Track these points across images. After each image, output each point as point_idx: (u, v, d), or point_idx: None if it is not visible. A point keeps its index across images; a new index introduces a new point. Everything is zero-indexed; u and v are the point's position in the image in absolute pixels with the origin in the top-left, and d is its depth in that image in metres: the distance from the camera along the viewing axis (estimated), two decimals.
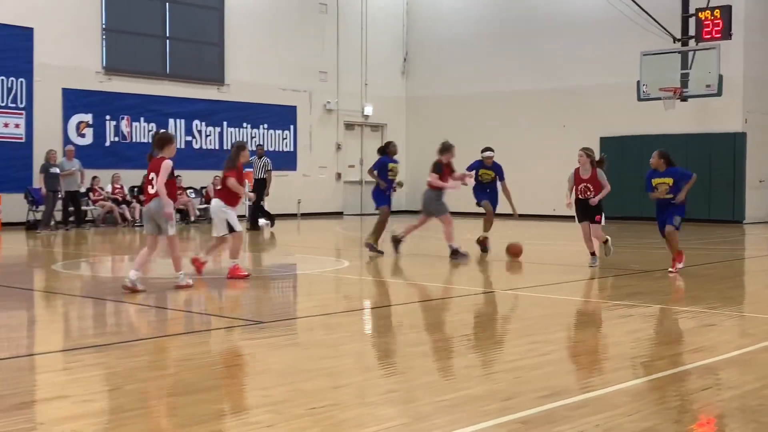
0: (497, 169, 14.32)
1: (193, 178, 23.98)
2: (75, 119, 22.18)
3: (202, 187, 24.26)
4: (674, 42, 22.98)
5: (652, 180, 11.62)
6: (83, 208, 21.16)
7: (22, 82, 21.09)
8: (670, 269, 11.67)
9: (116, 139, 22.94)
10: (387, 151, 14.80)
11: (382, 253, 14.08)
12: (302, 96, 27.36)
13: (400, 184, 15.01)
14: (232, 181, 10.95)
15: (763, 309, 9.08)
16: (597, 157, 12.73)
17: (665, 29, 23.15)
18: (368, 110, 29.20)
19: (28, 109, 21.20)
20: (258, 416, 4.80)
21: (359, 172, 29.13)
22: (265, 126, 26.37)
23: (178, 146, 23.71)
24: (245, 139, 25.24)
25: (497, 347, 7.03)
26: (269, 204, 22.20)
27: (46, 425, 4.60)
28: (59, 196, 20.00)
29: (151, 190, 9.70)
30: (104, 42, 22.93)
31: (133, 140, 23.08)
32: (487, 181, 14.30)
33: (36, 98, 21.31)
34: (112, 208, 21.62)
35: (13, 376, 5.88)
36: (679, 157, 23.19)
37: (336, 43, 28.17)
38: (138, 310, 8.64)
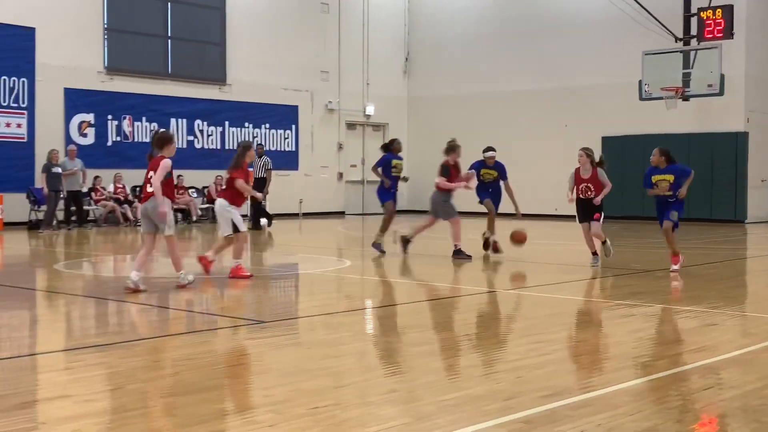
0: (500, 169, 14.22)
1: (194, 177, 24.01)
2: (77, 119, 22.20)
3: (204, 187, 24.27)
4: (676, 41, 22.97)
5: (653, 177, 11.60)
6: (85, 207, 21.17)
7: (23, 81, 21.11)
8: (673, 267, 11.65)
9: (118, 138, 22.96)
10: (391, 148, 14.76)
11: (384, 252, 14.08)
12: (304, 96, 27.37)
13: (405, 179, 15.00)
14: (241, 183, 10.95)
15: (764, 308, 9.07)
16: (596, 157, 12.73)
17: (667, 29, 23.14)
18: (370, 110, 29.20)
19: (30, 109, 21.22)
20: (259, 416, 4.80)
21: (361, 171, 29.15)
22: (267, 126, 26.38)
23: (180, 146, 23.81)
24: (247, 140, 25.24)
25: (499, 347, 7.03)
26: (269, 203, 22.20)
27: (48, 425, 4.60)
28: (61, 195, 20.01)
29: (149, 189, 9.71)
30: (106, 42, 22.95)
31: (135, 140, 23.09)
32: (489, 180, 14.22)
33: (38, 98, 21.33)
34: (114, 208, 21.63)
35: (15, 376, 5.89)
36: (681, 156, 23.12)
37: (338, 42, 28.18)
38: (140, 310, 8.65)
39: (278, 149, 26.52)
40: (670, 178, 11.45)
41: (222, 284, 10.51)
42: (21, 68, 21.05)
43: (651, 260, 13.89)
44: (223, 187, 11.49)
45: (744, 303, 9.86)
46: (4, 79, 20.80)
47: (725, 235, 19.84)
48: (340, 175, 28.59)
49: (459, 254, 13.40)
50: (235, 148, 24.87)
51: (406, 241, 14.07)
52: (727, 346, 6.86)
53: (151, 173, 9.69)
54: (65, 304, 9.40)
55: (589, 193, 12.39)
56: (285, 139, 26.96)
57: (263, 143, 25.34)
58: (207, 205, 23.87)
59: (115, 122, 22.91)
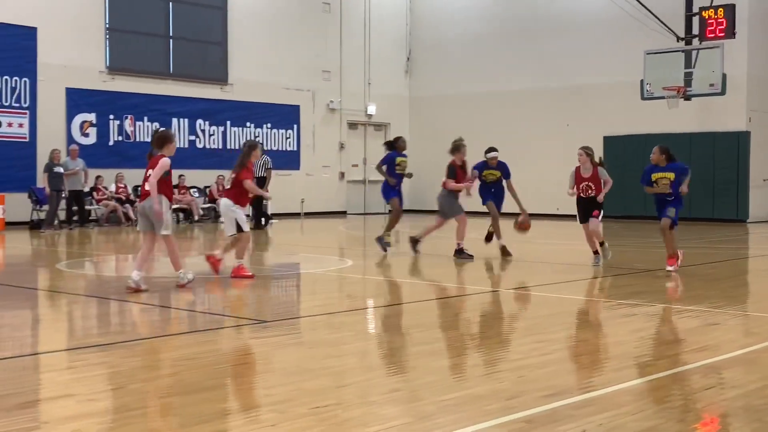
0: (503, 168, 14.04)
1: (196, 177, 24.02)
2: (78, 119, 22.22)
3: (206, 187, 24.28)
4: (678, 41, 22.96)
5: (653, 174, 11.53)
6: (87, 207, 21.19)
7: (25, 81, 21.12)
8: (668, 267, 11.56)
9: (120, 138, 22.97)
10: (396, 146, 14.74)
11: (387, 248, 14.07)
12: (305, 95, 27.37)
13: (409, 175, 14.95)
14: (249, 183, 10.95)
15: (767, 308, 9.06)
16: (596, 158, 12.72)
17: (669, 28, 23.12)
18: (371, 109, 29.21)
19: (32, 109, 21.23)
20: (261, 415, 4.80)
21: (362, 171, 29.16)
22: (269, 125, 26.38)
23: (182, 146, 23.84)
24: (248, 139, 25.25)
25: (500, 346, 7.03)
26: (269, 203, 22.20)
27: (50, 424, 4.61)
28: (63, 195, 20.02)
29: (147, 187, 9.72)
30: (107, 41, 22.95)
31: (137, 139, 23.10)
32: (492, 181, 14.07)
33: (39, 98, 21.34)
34: (115, 208, 21.65)
35: (17, 375, 5.89)
36: (683, 156, 23.06)
37: (339, 42, 28.18)
38: (142, 310, 8.65)
39: (280, 149, 26.52)
40: (671, 176, 11.40)
41: (224, 284, 10.51)
42: (22, 68, 21.07)
43: (652, 260, 13.86)
44: (228, 186, 11.41)
45: (746, 302, 9.86)
46: (6, 79, 20.82)
47: (727, 235, 19.82)
48: (342, 174, 28.59)
49: (461, 254, 13.38)
50: (236, 147, 24.91)
51: (415, 242, 14.02)
52: (729, 345, 6.86)
53: (150, 172, 9.69)
54: (67, 303, 9.41)
55: (589, 191, 12.38)
56: (286, 138, 26.97)
57: (263, 143, 25.35)
58: (208, 205, 23.89)
59: (117, 122, 22.92)
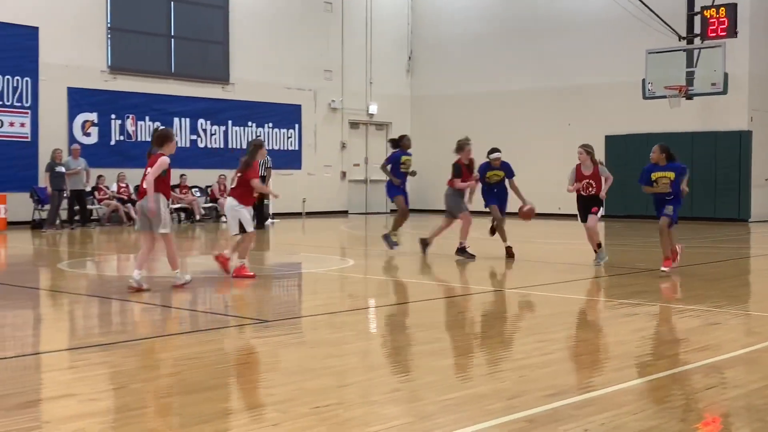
0: (506, 168, 13.85)
1: (198, 176, 24.02)
2: (80, 118, 22.22)
3: (207, 186, 24.28)
4: (679, 40, 22.95)
5: (652, 174, 11.36)
6: (88, 207, 21.20)
7: (27, 81, 21.13)
8: (663, 268, 11.33)
9: (121, 138, 22.98)
10: (401, 145, 14.70)
11: (393, 246, 14.05)
12: (307, 95, 27.37)
13: (413, 173, 14.89)
14: (256, 182, 10.94)
15: None
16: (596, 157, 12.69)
17: (670, 27, 23.11)
18: (373, 109, 29.20)
19: (34, 109, 21.24)
20: (263, 415, 4.81)
21: (364, 170, 29.16)
22: (270, 125, 26.38)
23: (183, 145, 23.85)
24: (250, 138, 25.27)
25: (502, 346, 7.03)
26: (272, 202, 22.22)
27: (52, 423, 4.61)
28: (65, 195, 20.03)
29: (145, 186, 9.73)
30: (109, 41, 22.96)
31: (138, 139, 23.10)
32: (496, 182, 13.87)
33: (41, 97, 21.35)
34: (117, 207, 21.65)
35: (19, 375, 5.90)
36: (685, 155, 23.14)
37: (341, 41, 28.18)
38: (143, 309, 8.66)
39: (281, 148, 26.52)
40: (671, 175, 11.25)
41: (226, 283, 10.51)
42: (24, 68, 21.07)
43: (654, 259, 13.82)
44: (233, 185, 11.29)
45: (747, 302, 9.85)
46: (8, 79, 20.82)
47: (728, 234, 19.81)
48: (343, 174, 28.59)
49: (463, 253, 13.37)
50: (237, 147, 24.94)
51: (425, 244, 13.97)
52: (731, 345, 6.86)
53: (149, 170, 9.71)
54: (69, 303, 9.42)
55: (590, 189, 12.37)
56: (288, 138, 26.96)
57: (264, 142, 25.33)
58: (210, 205, 23.90)
59: (119, 121, 22.93)
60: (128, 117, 23.08)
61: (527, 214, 13.43)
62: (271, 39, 26.21)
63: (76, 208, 20.48)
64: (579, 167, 12.48)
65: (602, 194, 12.34)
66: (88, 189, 21.17)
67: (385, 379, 5.74)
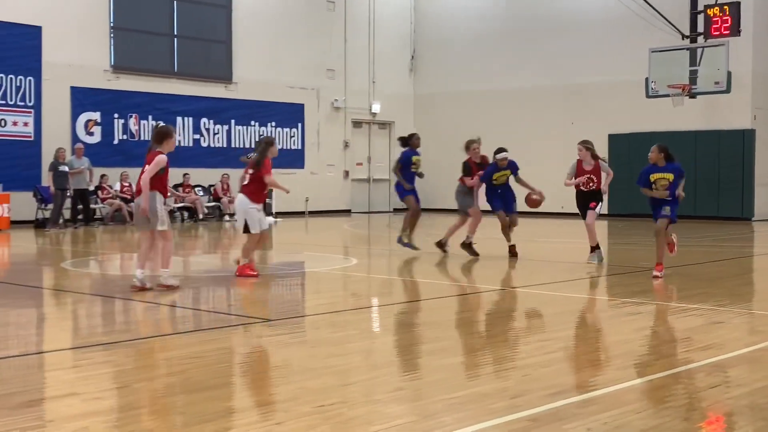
0: (512, 166, 13.62)
1: (201, 175, 24.03)
2: (83, 117, 22.24)
3: (210, 185, 24.29)
4: (683, 39, 22.91)
5: (651, 175, 11.12)
6: (92, 206, 21.22)
7: (30, 80, 21.15)
8: (655, 272, 10.92)
9: (124, 137, 23.00)
10: (410, 143, 14.60)
11: (410, 247, 14.03)
12: (310, 94, 27.37)
13: (421, 175, 14.79)
14: (270, 178, 10.92)
15: None
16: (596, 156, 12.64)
17: (673, 26, 23.08)
18: (376, 108, 29.20)
19: (37, 108, 21.26)
20: (266, 414, 4.81)
21: (367, 169, 29.16)
22: (273, 124, 26.38)
23: (186, 144, 23.88)
24: (253, 137, 25.30)
25: (505, 345, 7.03)
26: (275, 202, 22.23)
27: (55, 422, 4.61)
28: (68, 194, 20.05)
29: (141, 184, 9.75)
30: (112, 40, 22.97)
31: (141, 138, 23.09)
32: (502, 182, 13.62)
33: (44, 97, 21.37)
34: (120, 206, 21.66)
35: (23, 374, 5.91)
36: (688, 154, 23.26)
37: (343, 40, 28.17)
38: (146, 308, 8.66)
39: (284, 147, 26.48)
40: (670, 176, 10.95)
41: (228, 283, 10.51)
42: (27, 67, 21.09)
43: None
44: (246, 183, 11.11)
45: (751, 301, 9.84)
46: (11, 78, 20.84)
47: (732, 233, 19.79)
48: (346, 173, 28.59)
49: (468, 248, 13.39)
50: (240, 146, 24.95)
51: (442, 246, 13.92)
52: (735, 344, 6.85)
53: (147, 168, 9.72)
54: (72, 302, 9.43)
55: (591, 184, 12.36)
56: (291, 137, 26.96)
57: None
58: (213, 204, 23.91)
59: (122, 121, 22.94)
60: (131, 116, 23.09)
61: (535, 202, 13.21)
62: (274, 38, 26.21)
63: (80, 207, 20.50)
64: (580, 162, 12.47)
65: (604, 188, 12.33)
66: (92, 188, 21.18)
67: (388, 378, 5.74)
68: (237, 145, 25.11)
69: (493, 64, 28.10)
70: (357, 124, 29.04)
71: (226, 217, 23.35)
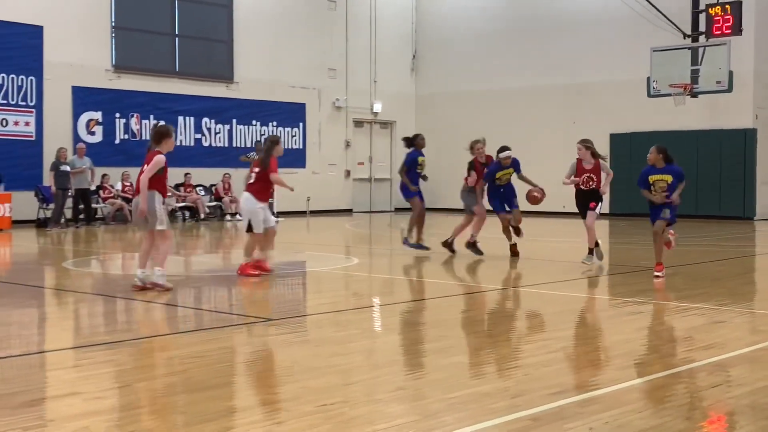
0: (515, 165, 13.57)
1: (202, 175, 24.03)
2: (85, 117, 22.25)
3: (212, 185, 24.30)
4: (684, 38, 22.91)
5: (650, 177, 11.09)
6: (93, 205, 21.23)
7: (31, 80, 21.15)
8: (656, 273, 10.90)
9: (126, 136, 23.00)
10: (415, 144, 14.54)
11: (417, 247, 14.02)
12: (311, 93, 27.37)
13: (425, 178, 14.73)
14: (276, 177, 10.93)
15: None
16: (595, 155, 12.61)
17: (675, 25, 23.08)
18: (377, 107, 29.19)
19: (38, 107, 21.27)
20: (267, 413, 4.81)
21: (368, 169, 29.16)
22: (274, 123, 26.38)
23: (187, 144, 23.88)
24: (254, 137, 25.31)
25: (507, 344, 7.03)
26: (276, 201, 22.21)
27: (56, 422, 4.62)
28: (69, 193, 20.06)
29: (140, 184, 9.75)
30: (113, 40, 22.97)
31: (143, 138, 23.07)
32: (505, 181, 13.56)
33: (46, 96, 21.37)
34: (121, 206, 21.67)
35: (24, 374, 5.91)
36: (690, 153, 23.27)
37: (345, 40, 28.17)
38: (148, 308, 8.66)
39: (286, 147, 26.39)
40: (669, 178, 10.92)
41: (230, 282, 10.52)
42: (29, 66, 21.09)
43: None
44: (251, 181, 11.08)
45: (753, 300, 9.84)
46: (12, 78, 20.85)
47: (733, 232, 19.78)
48: (348, 172, 28.59)
49: (472, 247, 13.41)
50: (242, 146, 24.96)
51: (449, 246, 13.92)
52: (736, 343, 6.85)
53: (145, 167, 9.72)
54: (74, 301, 9.44)
55: (591, 183, 12.34)
56: (292, 137, 26.97)
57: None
58: (214, 203, 23.92)
59: (123, 120, 22.94)
60: (133, 116, 23.10)
61: (536, 198, 13.11)
62: (275, 38, 26.21)
63: (81, 206, 20.51)
64: (580, 162, 12.46)
65: (603, 189, 12.30)
66: (93, 188, 21.18)
67: (390, 378, 5.74)
68: (238, 145, 25.11)
69: (494, 64, 28.10)
70: (358, 123, 29.04)
71: (228, 217, 23.35)
